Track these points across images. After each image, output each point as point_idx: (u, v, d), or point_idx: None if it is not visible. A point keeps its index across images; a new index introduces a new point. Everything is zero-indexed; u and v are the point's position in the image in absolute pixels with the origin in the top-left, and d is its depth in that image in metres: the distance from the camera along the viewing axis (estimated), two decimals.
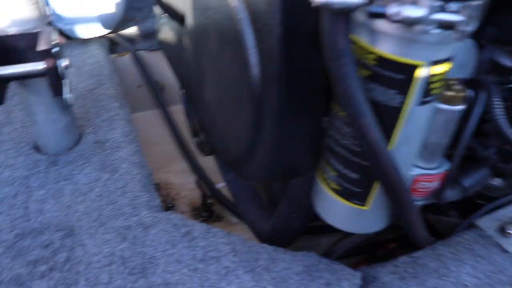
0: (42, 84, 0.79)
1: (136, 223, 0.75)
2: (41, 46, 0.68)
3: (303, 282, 0.66)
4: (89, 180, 0.84)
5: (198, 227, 0.74)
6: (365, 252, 1.01)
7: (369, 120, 0.47)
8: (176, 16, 0.77)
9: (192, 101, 0.87)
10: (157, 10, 0.96)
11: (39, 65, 0.70)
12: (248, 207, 0.95)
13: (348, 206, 0.59)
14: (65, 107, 0.86)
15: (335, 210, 0.61)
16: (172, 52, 0.93)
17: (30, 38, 0.71)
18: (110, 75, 1.16)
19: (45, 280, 0.67)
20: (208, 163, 1.28)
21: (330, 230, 1.07)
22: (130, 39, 1.39)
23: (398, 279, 0.66)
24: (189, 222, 0.75)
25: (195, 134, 1.05)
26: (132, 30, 1.40)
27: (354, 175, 0.56)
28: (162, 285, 0.65)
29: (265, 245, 0.73)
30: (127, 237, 0.72)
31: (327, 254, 0.81)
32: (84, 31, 1.27)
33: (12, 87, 0.80)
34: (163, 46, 1.01)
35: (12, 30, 0.72)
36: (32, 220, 0.76)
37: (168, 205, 1.25)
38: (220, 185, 1.26)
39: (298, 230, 0.83)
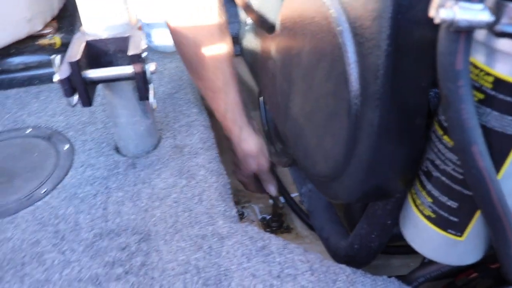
0: (127, 87, 0.80)
1: (212, 233, 0.74)
2: (131, 51, 0.69)
3: None
4: (166, 185, 0.84)
5: (275, 242, 0.72)
6: (444, 278, 0.95)
7: (481, 147, 0.42)
8: (265, 24, 0.75)
9: (273, 110, 0.86)
10: (243, 16, 0.95)
11: (128, 69, 0.71)
12: (323, 222, 0.91)
13: (442, 236, 0.55)
14: (147, 110, 0.87)
15: (427, 238, 0.57)
16: (255, 59, 0.92)
17: (121, 42, 0.72)
18: (190, 80, 1.17)
19: (121, 282, 0.67)
20: (281, 171, 1.26)
21: (402, 251, 1.02)
22: None
23: None
24: (265, 235, 0.73)
25: (271, 143, 1.04)
26: None
27: (452, 204, 0.51)
28: None
29: (343, 266, 0.70)
30: (202, 246, 0.72)
31: (407, 281, 0.76)
32: (168, 45, 1.27)
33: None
34: (245, 53, 1.00)
35: (104, 34, 0.74)
36: (110, 221, 0.77)
37: (238, 213, 1.24)
38: (293, 195, 1.23)
39: (377, 250, 0.79)
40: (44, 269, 0.70)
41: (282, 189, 1.21)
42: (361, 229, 0.77)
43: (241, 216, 1.24)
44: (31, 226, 0.76)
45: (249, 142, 0.94)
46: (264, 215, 1.23)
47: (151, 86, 0.76)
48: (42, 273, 0.69)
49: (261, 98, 1.06)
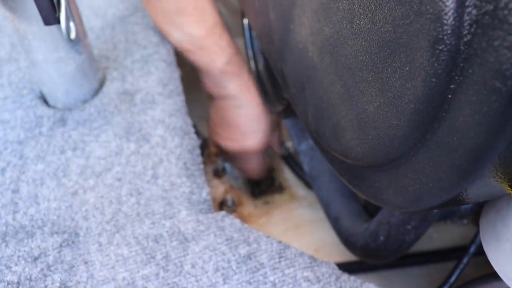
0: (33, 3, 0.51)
1: (170, 232, 0.48)
2: None
3: None
4: (107, 152, 0.57)
5: (267, 246, 0.47)
6: None
7: None
8: None
9: (262, 38, 0.58)
10: None
11: None
12: (330, 195, 0.66)
13: None
14: (77, 41, 0.59)
15: None
16: None
17: None
18: None
19: None
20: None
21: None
22: None
23: None
24: (252, 233, 0.48)
25: (260, 84, 0.76)
26: None
27: None
28: None
29: (365, 283, 0.45)
30: (155, 255, 0.46)
31: None
32: None
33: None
34: None
35: None
36: (21, 212, 0.52)
37: (218, 168, 0.99)
38: (288, 144, 0.97)
39: (411, 244, 0.56)
40: None
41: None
42: (391, 216, 0.53)
43: (222, 172, 0.99)
44: None
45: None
46: None
47: (63, 1, 0.47)
48: None
49: (245, 20, 0.77)
